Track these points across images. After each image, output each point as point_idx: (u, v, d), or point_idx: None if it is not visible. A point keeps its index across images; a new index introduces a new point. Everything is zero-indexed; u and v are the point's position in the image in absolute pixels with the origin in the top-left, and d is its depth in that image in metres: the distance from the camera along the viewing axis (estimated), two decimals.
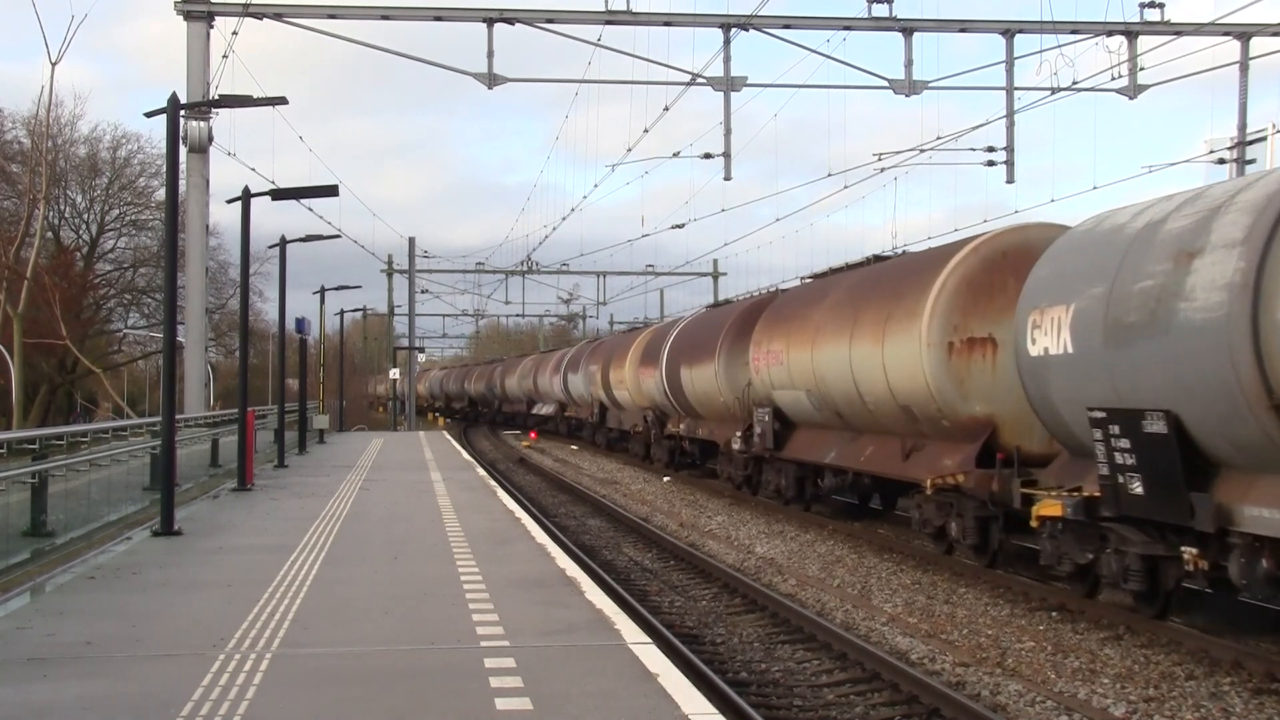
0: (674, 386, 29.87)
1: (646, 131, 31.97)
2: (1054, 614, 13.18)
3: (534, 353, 71.19)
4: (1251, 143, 26.24)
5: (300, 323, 37.42)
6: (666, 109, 30.91)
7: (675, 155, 34.99)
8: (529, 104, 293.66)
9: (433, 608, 10.38)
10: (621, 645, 8.93)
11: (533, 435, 54.24)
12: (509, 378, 66.53)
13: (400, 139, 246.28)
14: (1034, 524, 13.19)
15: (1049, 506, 12.67)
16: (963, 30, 31.82)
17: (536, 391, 57.77)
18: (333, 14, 30.33)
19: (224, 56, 30.50)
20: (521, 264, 67.62)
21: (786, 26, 30.57)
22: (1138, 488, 11.13)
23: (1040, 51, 29.49)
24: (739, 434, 24.42)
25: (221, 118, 32.17)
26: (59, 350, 47.09)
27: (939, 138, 28.08)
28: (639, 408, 35.59)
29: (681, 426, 30.62)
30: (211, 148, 31.19)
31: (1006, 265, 15.49)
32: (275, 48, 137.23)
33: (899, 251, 21.26)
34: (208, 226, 33.80)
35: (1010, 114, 30.61)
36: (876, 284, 18.73)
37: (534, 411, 59.16)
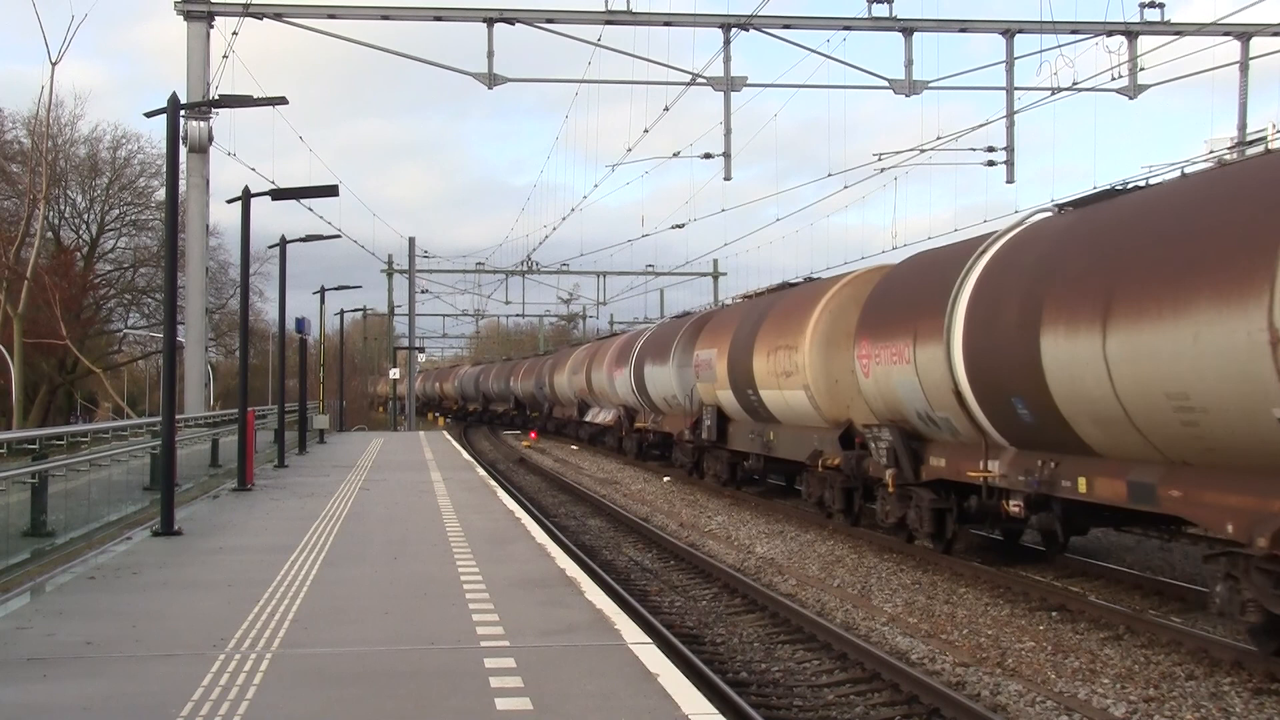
0: (995, 375, 13.95)
1: (646, 131, 32.05)
2: (1054, 614, 13.18)
3: (595, 340, 54.68)
4: (1251, 143, 26.20)
5: (300, 323, 37.42)
6: (667, 109, 30.98)
7: (675, 155, 35.02)
8: (537, 105, 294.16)
9: (433, 608, 10.37)
10: (621, 645, 8.92)
11: (533, 435, 54.12)
12: (558, 374, 51.74)
13: (409, 139, 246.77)
14: None
15: None
16: (963, 30, 31.84)
17: (589, 392, 44.16)
18: (333, 14, 30.34)
19: (224, 57, 30.55)
20: (521, 264, 67.64)
21: (786, 26, 30.59)
22: None
23: (1040, 51, 29.57)
24: None
25: (222, 118, 32.22)
26: (59, 350, 47.10)
27: (939, 138, 28.07)
28: (833, 422, 19.93)
29: (994, 466, 14.64)
30: (212, 148, 31.23)
31: None
32: (279, 49, 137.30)
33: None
34: (208, 226, 33.81)
35: (1010, 114, 30.63)
36: None
37: (586, 419, 45.69)
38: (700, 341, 27.90)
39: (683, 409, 29.69)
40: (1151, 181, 13.26)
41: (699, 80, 30.15)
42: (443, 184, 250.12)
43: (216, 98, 25.55)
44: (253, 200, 21.65)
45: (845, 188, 54.43)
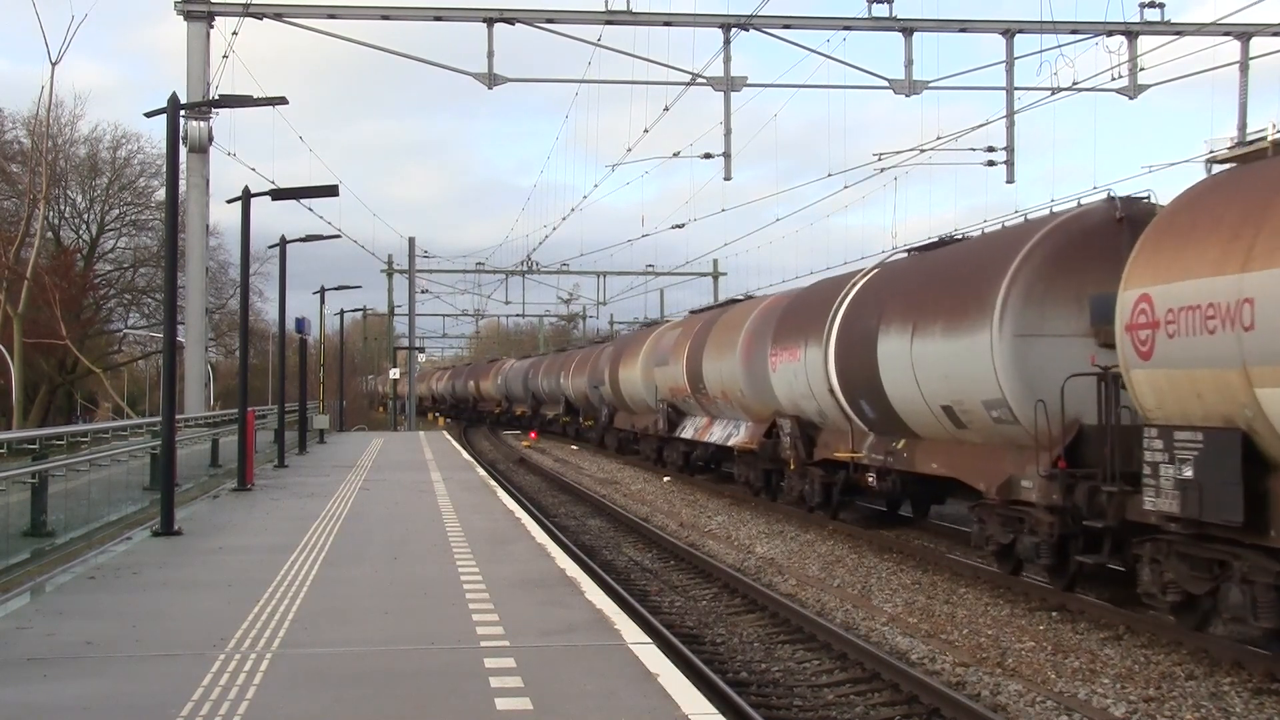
0: None
1: (646, 131, 32.07)
2: (1054, 614, 13.18)
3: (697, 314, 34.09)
4: (1251, 143, 26.20)
5: (300, 323, 37.44)
6: (667, 109, 31.01)
7: (675, 155, 35.02)
8: (544, 105, 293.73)
9: (433, 608, 10.37)
10: (621, 645, 8.92)
11: (533, 435, 54.09)
12: (626, 366, 36.81)
13: (415, 140, 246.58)
14: None
15: None
16: (963, 30, 31.84)
17: (695, 392, 28.09)
18: (333, 14, 30.34)
19: (224, 57, 30.57)
20: (521, 264, 67.66)
21: (786, 26, 30.60)
22: None
23: (1040, 51, 29.54)
24: None
25: (222, 118, 32.27)
26: (59, 350, 47.09)
27: (939, 138, 28.06)
28: None
29: None
30: (212, 148, 31.24)
31: None
32: (287, 49, 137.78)
33: None
34: (208, 226, 33.83)
35: (1010, 114, 30.63)
36: None
37: (684, 434, 29.90)
38: (1142, 263, 11.44)
39: (1015, 431, 13.93)
40: None
41: (699, 80, 30.16)
42: (449, 184, 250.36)
43: (216, 98, 25.57)
44: (253, 200, 21.66)
45: (845, 188, 54.22)
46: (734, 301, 30.05)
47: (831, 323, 19.46)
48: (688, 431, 29.73)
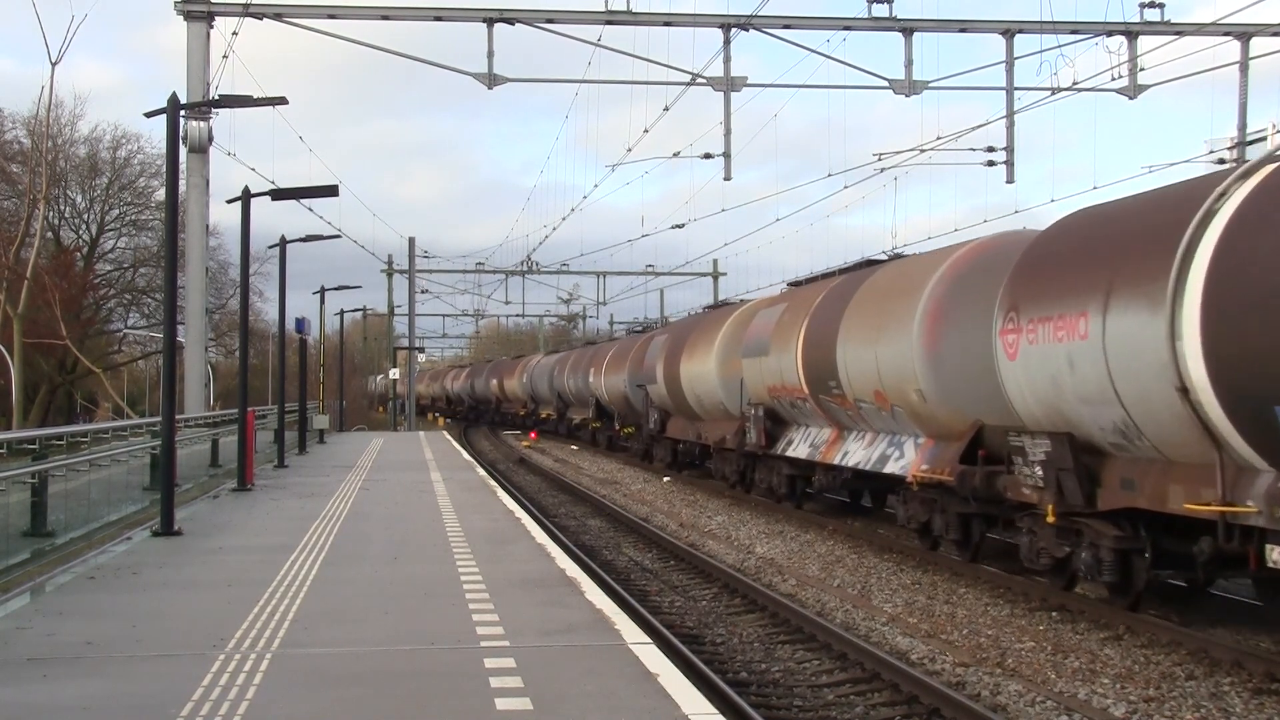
0: None
1: (646, 131, 32.07)
2: (1054, 614, 13.18)
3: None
4: (1251, 143, 26.20)
5: (300, 323, 37.43)
6: (667, 109, 31.02)
7: (675, 155, 35.02)
8: (549, 105, 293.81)
9: (433, 608, 10.38)
10: (621, 645, 8.93)
11: (533, 435, 54.14)
12: (689, 358, 29.13)
13: (420, 140, 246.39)
14: None
15: None
16: (963, 30, 31.84)
17: (819, 393, 20.15)
18: (333, 14, 30.34)
19: (224, 57, 30.58)
20: (522, 264, 67.66)
21: (786, 26, 30.61)
22: None
23: (1040, 51, 29.53)
24: None
25: (223, 119, 32.25)
26: (59, 350, 47.11)
27: (939, 138, 28.06)
28: None
29: None
30: (212, 148, 31.23)
31: None
32: (292, 49, 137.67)
33: None
34: (208, 226, 33.82)
35: (1010, 114, 30.64)
36: None
37: (790, 451, 22.19)
38: None
39: None
40: None
41: (699, 80, 30.16)
42: (449, 184, 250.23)
43: (216, 98, 25.55)
44: (253, 200, 21.66)
45: (846, 188, 54.12)
46: (871, 263, 21.10)
47: (1186, 262, 10.57)
48: (800, 449, 21.54)
